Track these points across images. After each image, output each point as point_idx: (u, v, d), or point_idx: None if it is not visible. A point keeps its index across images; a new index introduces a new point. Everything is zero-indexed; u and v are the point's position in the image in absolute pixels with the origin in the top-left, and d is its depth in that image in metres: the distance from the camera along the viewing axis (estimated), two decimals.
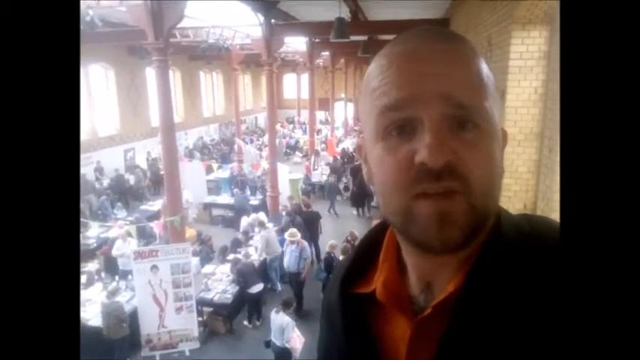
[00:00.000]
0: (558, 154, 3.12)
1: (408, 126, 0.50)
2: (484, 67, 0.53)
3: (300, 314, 7.55)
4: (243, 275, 7.60)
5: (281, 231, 9.28)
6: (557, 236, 0.50)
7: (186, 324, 6.87)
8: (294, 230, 8.42)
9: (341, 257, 7.54)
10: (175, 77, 19.80)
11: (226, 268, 8.45)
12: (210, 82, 24.36)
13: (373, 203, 12.72)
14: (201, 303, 7.44)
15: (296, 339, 6.20)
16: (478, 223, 0.50)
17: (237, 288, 7.69)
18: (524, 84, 4.38)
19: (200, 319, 7.28)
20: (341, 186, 14.89)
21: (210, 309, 7.61)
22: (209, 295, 7.61)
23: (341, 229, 11.47)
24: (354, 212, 13.40)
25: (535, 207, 4.43)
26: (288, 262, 8.10)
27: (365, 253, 0.66)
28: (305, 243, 8.21)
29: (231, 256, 8.71)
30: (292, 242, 8.11)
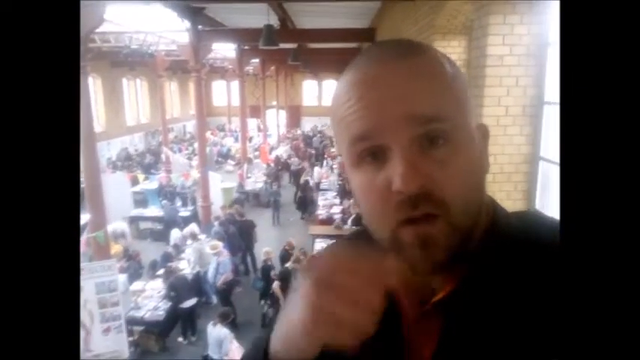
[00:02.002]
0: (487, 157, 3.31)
1: (380, 152, 0.50)
2: (449, 74, 0.52)
3: (238, 325, 7.38)
4: (176, 289, 7.30)
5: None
6: (552, 233, 0.50)
7: (114, 345, 6.44)
8: (214, 242, 8.34)
9: (289, 264, 7.49)
10: (96, 84, 18.71)
11: (157, 283, 8.08)
12: (134, 90, 23.27)
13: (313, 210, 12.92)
14: (131, 322, 7.02)
15: (235, 351, 6.05)
16: (463, 237, 0.51)
17: (169, 304, 7.37)
18: None
19: (131, 338, 6.87)
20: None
21: (142, 327, 7.22)
22: (139, 313, 7.22)
23: (278, 237, 11.41)
24: (290, 219, 13.44)
25: None
26: (210, 274, 8.08)
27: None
28: (224, 257, 8.08)
29: (162, 271, 8.35)
30: (214, 254, 8.01)
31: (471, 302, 0.51)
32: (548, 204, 3.11)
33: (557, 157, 2.94)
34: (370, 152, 0.51)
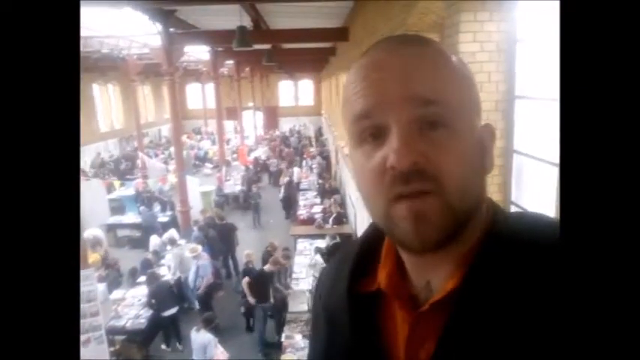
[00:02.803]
0: None
1: (381, 132, 0.52)
2: (453, 66, 0.54)
3: (222, 329, 7.33)
4: (157, 297, 7.19)
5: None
6: (552, 233, 0.50)
7: (95, 357, 6.30)
8: (193, 246, 8.30)
9: (267, 267, 7.42)
10: None
11: (137, 291, 7.95)
12: (106, 95, 22.81)
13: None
14: (112, 332, 6.90)
15: (219, 355, 6.00)
16: (457, 221, 0.52)
17: (150, 312, 7.26)
18: None
19: (112, 349, 6.74)
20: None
21: (123, 337, 7.09)
22: (120, 323, 7.11)
23: (259, 239, 11.36)
24: (271, 221, 13.39)
25: None
26: (190, 278, 8.04)
27: (367, 251, 0.65)
28: (203, 261, 8.02)
29: (142, 278, 8.21)
30: (194, 258, 7.96)
31: (472, 303, 0.51)
32: (522, 196, 3.19)
33: (530, 151, 3.01)
34: (371, 132, 0.52)
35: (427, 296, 0.56)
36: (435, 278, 0.56)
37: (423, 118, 0.50)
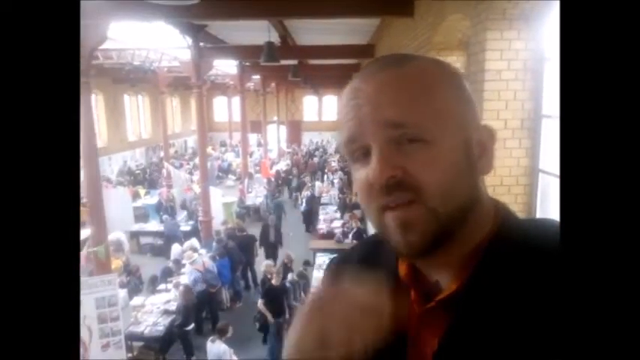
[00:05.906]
0: None
1: (368, 151, 0.56)
2: (432, 84, 0.55)
3: (238, 340, 7.31)
4: (187, 312, 7.23)
5: (214, 258, 8.99)
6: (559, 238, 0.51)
7: None
8: (188, 252, 8.55)
9: (274, 281, 7.39)
10: (98, 100, 18.87)
11: (157, 299, 8.03)
12: (136, 105, 23.45)
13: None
14: (131, 337, 6.98)
15: None
16: (442, 226, 0.54)
17: (169, 319, 7.31)
18: None
19: (130, 355, 6.81)
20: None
21: (141, 343, 7.16)
22: (139, 329, 7.16)
23: (279, 251, 11.35)
24: (290, 234, 13.39)
25: None
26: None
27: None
28: (192, 268, 8.15)
29: (162, 286, 8.29)
30: (190, 264, 8.12)
31: (475, 302, 0.53)
32: (548, 215, 3.12)
33: (556, 170, 2.96)
34: (361, 152, 0.57)
35: (436, 294, 0.59)
36: (443, 278, 0.59)
37: (397, 138, 0.54)
